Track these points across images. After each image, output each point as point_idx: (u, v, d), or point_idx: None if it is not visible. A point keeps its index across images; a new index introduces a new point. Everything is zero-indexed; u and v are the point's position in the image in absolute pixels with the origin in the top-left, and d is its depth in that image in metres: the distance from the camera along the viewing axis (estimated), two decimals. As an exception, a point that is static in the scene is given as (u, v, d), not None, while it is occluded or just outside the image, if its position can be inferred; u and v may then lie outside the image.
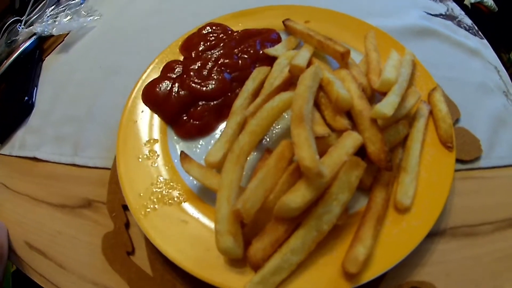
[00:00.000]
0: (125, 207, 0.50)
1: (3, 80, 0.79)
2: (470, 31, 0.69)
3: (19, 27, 0.81)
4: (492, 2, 0.96)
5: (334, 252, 0.39)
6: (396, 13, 0.68)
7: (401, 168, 0.46)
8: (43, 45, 0.81)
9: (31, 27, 0.78)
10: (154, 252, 0.45)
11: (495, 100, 0.58)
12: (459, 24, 0.70)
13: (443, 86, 0.56)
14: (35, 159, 0.63)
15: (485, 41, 0.67)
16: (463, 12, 0.73)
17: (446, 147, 0.48)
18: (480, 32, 0.69)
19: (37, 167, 0.62)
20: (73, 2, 0.79)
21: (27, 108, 0.70)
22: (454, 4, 0.74)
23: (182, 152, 0.45)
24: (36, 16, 0.80)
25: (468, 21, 0.71)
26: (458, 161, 0.50)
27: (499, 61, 0.65)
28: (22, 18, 0.82)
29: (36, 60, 0.76)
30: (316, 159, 0.35)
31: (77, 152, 0.60)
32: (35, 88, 0.72)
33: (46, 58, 0.78)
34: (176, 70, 0.54)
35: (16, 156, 0.66)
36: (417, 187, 0.44)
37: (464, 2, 0.91)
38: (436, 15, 0.70)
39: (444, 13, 0.71)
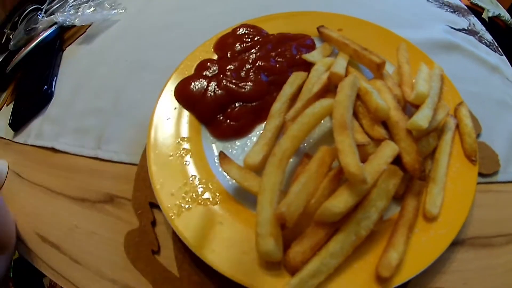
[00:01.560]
0: (152, 205, 0.50)
1: (21, 67, 0.78)
2: (491, 47, 0.71)
3: (39, 15, 0.80)
4: (509, 17, 0.99)
5: (368, 257, 0.40)
6: (422, 25, 0.70)
7: (430, 178, 0.47)
8: (64, 35, 0.80)
9: (51, 16, 0.77)
10: (182, 252, 0.45)
11: None
12: (480, 39, 0.72)
13: (466, 100, 0.58)
14: (52, 149, 0.62)
15: (504, 57, 0.69)
16: (484, 28, 0.75)
17: (470, 161, 0.50)
18: (499, 49, 0.71)
19: (54, 158, 0.62)
20: (96, -6, 0.78)
21: (45, 98, 0.70)
22: (475, 19, 0.77)
23: (221, 152, 0.45)
24: (57, 5, 0.79)
25: (488, 37, 0.73)
26: (478, 174, 0.51)
27: None
28: (42, 7, 0.81)
29: (57, 49, 0.75)
30: (361, 167, 0.36)
31: (101, 146, 0.59)
32: (55, 78, 0.72)
33: (67, 49, 0.77)
34: (211, 69, 0.54)
35: (31, 145, 0.65)
36: (444, 198, 0.46)
37: (482, 16, 0.93)
38: (459, 30, 0.72)
39: (466, 28, 0.73)
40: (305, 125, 0.41)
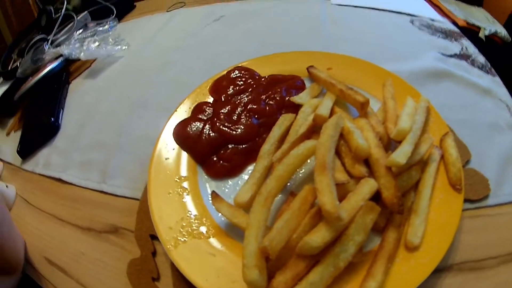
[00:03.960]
0: (153, 237, 0.57)
1: (28, 96, 0.87)
2: (483, 69, 0.75)
3: (45, 46, 0.89)
4: (506, 33, 1.03)
5: (348, 286, 0.46)
6: (413, 56, 0.76)
7: (412, 210, 0.52)
8: (70, 67, 0.89)
9: (58, 48, 0.87)
10: (179, 280, 0.52)
11: (505, 138, 0.63)
12: (473, 63, 0.76)
13: (455, 127, 0.63)
14: (59, 180, 0.70)
15: (497, 78, 0.73)
16: (476, 50, 0.79)
17: (455, 189, 0.54)
18: (493, 69, 0.75)
19: (61, 188, 0.69)
20: (101, 28, 0.87)
21: (53, 129, 0.78)
22: (468, 42, 0.81)
23: (213, 191, 0.53)
24: (63, 37, 0.89)
25: (481, 58, 0.77)
26: (467, 200, 0.55)
27: (511, 98, 0.70)
28: (48, 37, 0.91)
29: (63, 82, 0.84)
30: (336, 205, 0.43)
31: (105, 180, 0.67)
32: (61, 110, 0.80)
33: (73, 81, 0.86)
34: (207, 112, 0.62)
35: (39, 174, 0.73)
36: (427, 227, 0.50)
37: (479, 35, 0.98)
38: (451, 56, 0.77)
39: (458, 53, 0.78)
40: (290, 166, 0.48)
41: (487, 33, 0.98)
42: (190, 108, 0.66)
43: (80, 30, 0.90)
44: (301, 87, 0.66)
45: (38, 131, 0.79)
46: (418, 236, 0.49)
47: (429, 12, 0.88)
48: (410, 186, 0.54)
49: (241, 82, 0.66)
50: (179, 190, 0.57)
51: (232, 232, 0.52)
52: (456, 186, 0.54)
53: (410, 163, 0.53)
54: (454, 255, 0.51)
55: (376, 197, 0.49)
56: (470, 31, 0.89)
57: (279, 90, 0.63)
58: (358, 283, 0.46)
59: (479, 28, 0.97)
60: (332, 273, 0.44)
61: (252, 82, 0.66)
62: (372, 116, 0.56)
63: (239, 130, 0.59)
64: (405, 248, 0.49)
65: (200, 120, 0.62)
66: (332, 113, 0.57)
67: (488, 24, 1.01)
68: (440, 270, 0.49)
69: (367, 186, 0.47)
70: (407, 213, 0.52)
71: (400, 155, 0.49)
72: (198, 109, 0.64)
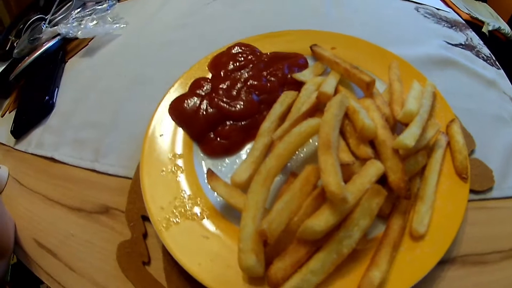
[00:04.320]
0: (144, 218, 0.52)
1: (24, 76, 0.82)
2: (488, 61, 0.71)
3: (43, 25, 0.84)
4: (509, 30, 0.99)
5: (351, 275, 0.41)
6: (418, 42, 0.71)
7: (418, 197, 0.48)
8: (67, 46, 0.84)
9: (55, 27, 0.81)
10: (171, 265, 0.47)
11: (509, 131, 0.60)
12: (478, 54, 0.72)
13: (460, 116, 0.59)
14: (52, 159, 0.65)
15: (501, 71, 0.70)
16: (481, 42, 0.76)
17: (461, 178, 0.50)
18: (497, 62, 0.72)
19: (53, 168, 0.65)
20: (99, 7, 0.82)
21: (47, 108, 0.73)
22: (473, 33, 0.77)
23: (209, 169, 0.48)
24: (61, 16, 0.83)
25: (486, 51, 0.74)
26: (471, 191, 0.52)
27: None
28: (46, 17, 0.85)
29: (59, 61, 0.79)
30: (342, 185, 0.38)
31: (98, 158, 0.62)
32: (57, 89, 0.75)
33: (69, 60, 0.81)
34: (205, 88, 0.57)
35: (31, 154, 0.68)
36: (432, 216, 0.46)
37: (482, 30, 0.94)
38: (455, 45, 0.73)
39: (463, 43, 0.74)
40: (291, 144, 0.43)
41: (490, 28, 0.93)
42: (187, 84, 0.60)
43: (78, 9, 0.84)
44: (304, 65, 0.60)
45: (32, 110, 0.75)
46: (424, 225, 0.45)
47: (434, 1, 0.83)
48: (416, 172, 0.49)
49: (242, 58, 0.60)
50: (173, 168, 0.52)
51: (228, 213, 0.47)
52: (462, 175, 0.50)
53: (417, 147, 0.49)
54: (458, 247, 0.48)
55: (381, 182, 0.44)
56: (473, 25, 0.84)
57: (281, 67, 0.58)
58: (361, 271, 0.41)
59: (482, 22, 0.93)
60: (335, 260, 0.40)
61: (253, 58, 0.60)
62: (378, 97, 0.51)
63: (238, 106, 0.53)
64: (410, 236, 0.45)
65: (197, 95, 0.56)
66: (336, 92, 0.52)
67: (492, 19, 0.96)
68: (443, 262, 0.46)
69: (373, 168, 0.43)
70: (413, 199, 0.48)
71: (408, 137, 0.45)
72: (196, 85, 0.58)
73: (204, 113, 0.53)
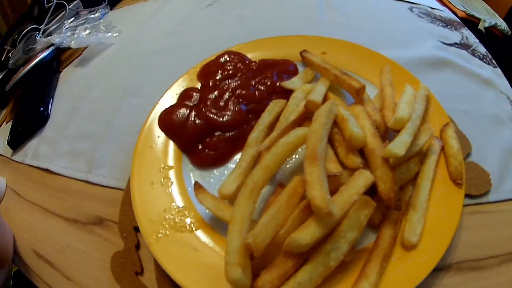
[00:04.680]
0: (137, 229, 0.52)
1: (19, 87, 0.83)
2: (484, 60, 0.70)
3: (37, 36, 0.85)
4: (506, 26, 0.97)
5: (339, 287, 0.41)
6: (412, 43, 0.70)
7: (410, 205, 0.47)
8: (60, 56, 0.84)
9: (49, 37, 0.82)
10: (163, 275, 0.47)
11: (507, 132, 0.59)
12: (473, 53, 0.71)
13: (456, 118, 0.58)
14: (48, 170, 0.66)
15: (498, 69, 0.69)
16: (477, 40, 0.74)
17: (455, 184, 0.49)
18: (493, 61, 0.70)
19: (49, 179, 0.66)
20: (92, 16, 0.82)
21: (42, 119, 0.74)
22: (469, 32, 0.76)
23: (196, 182, 0.48)
24: (54, 26, 0.84)
25: (482, 49, 0.72)
26: (467, 196, 0.51)
27: None
28: (40, 27, 0.86)
29: (54, 71, 0.80)
30: (327, 199, 0.37)
31: (91, 170, 0.62)
32: (51, 100, 0.76)
33: (63, 70, 0.82)
34: (193, 98, 0.57)
35: (28, 165, 0.69)
36: (425, 224, 0.46)
37: (478, 27, 0.92)
38: (451, 44, 0.71)
39: (458, 42, 0.73)
40: (279, 155, 0.43)
41: (486, 25, 0.91)
42: (177, 94, 0.60)
43: (72, 19, 0.84)
44: (293, 72, 0.60)
45: (28, 121, 0.75)
46: (416, 234, 0.45)
47: (429, 1, 0.81)
48: (408, 179, 0.49)
49: (231, 67, 0.60)
50: (163, 180, 0.52)
51: (217, 225, 0.47)
52: (457, 180, 0.50)
53: (409, 154, 0.48)
54: (453, 253, 0.48)
55: (372, 191, 0.43)
56: (469, 23, 0.82)
57: (270, 75, 0.57)
58: (350, 283, 0.41)
59: (478, 20, 0.91)
60: (322, 272, 0.39)
61: (242, 67, 0.60)
62: (368, 103, 0.51)
63: (226, 117, 0.53)
64: (402, 246, 0.45)
65: (186, 106, 0.56)
66: (325, 99, 0.51)
67: (488, 16, 0.94)
68: (438, 269, 0.45)
69: (362, 179, 0.42)
70: (405, 208, 0.47)
71: (398, 146, 0.44)
72: (185, 95, 0.58)
73: (193, 124, 0.53)
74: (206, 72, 0.61)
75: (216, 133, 0.53)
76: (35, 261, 0.56)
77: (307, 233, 0.37)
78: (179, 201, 0.50)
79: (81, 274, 0.52)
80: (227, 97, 0.55)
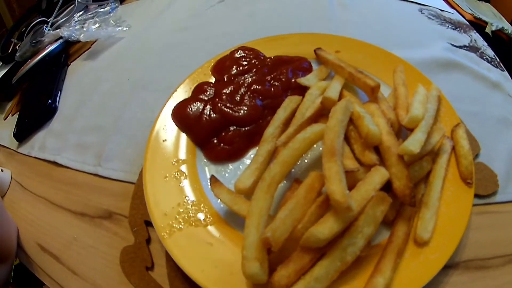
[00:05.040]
0: (147, 223, 0.52)
1: (26, 79, 0.82)
2: (492, 63, 0.71)
3: (45, 28, 0.84)
4: None
5: (355, 282, 0.41)
6: (422, 44, 0.71)
7: (423, 203, 0.48)
8: (69, 49, 0.84)
9: (57, 30, 0.81)
10: (174, 270, 0.47)
11: None
12: (482, 55, 0.72)
13: (465, 120, 0.59)
14: (54, 163, 0.65)
15: (506, 73, 0.69)
16: (485, 43, 0.75)
17: (465, 184, 0.50)
18: (501, 64, 0.71)
19: (56, 172, 0.65)
20: (102, 10, 0.82)
21: (49, 112, 0.73)
22: (477, 34, 0.77)
23: (212, 176, 0.47)
24: (63, 19, 0.83)
25: (490, 52, 0.73)
26: (475, 196, 0.52)
27: None
28: (48, 20, 0.85)
29: (62, 64, 0.79)
30: (346, 194, 0.38)
31: (101, 163, 0.62)
32: (59, 92, 0.76)
33: (72, 63, 0.81)
34: (208, 93, 0.57)
35: (34, 157, 0.69)
36: (436, 222, 0.46)
37: (486, 30, 0.93)
38: (460, 47, 0.72)
39: (467, 45, 0.73)
40: (296, 151, 0.43)
41: (494, 28, 0.92)
42: (190, 88, 0.60)
43: (81, 12, 0.84)
44: (307, 69, 0.60)
45: (35, 113, 0.75)
46: (429, 231, 0.45)
47: (438, 3, 0.82)
48: (421, 177, 0.49)
49: (245, 62, 0.60)
50: (176, 174, 0.52)
51: (232, 220, 0.47)
52: (467, 180, 0.50)
53: (422, 153, 0.48)
54: (461, 252, 0.48)
55: (386, 188, 0.43)
56: (476, 26, 0.83)
57: (285, 71, 0.57)
58: (365, 278, 0.41)
59: (485, 23, 0.92)
60: (339, 267, 0.39)
61: (256, 63, 0.60)
62: (383, 102, 0.51)
63: (242, 111, 0.53)
64: (414, 243, 0.45)
65: (200, 100, 0.56)
66: (340, 96, 0.51)
67: (495, 20, 0.95)
68: (446, 267, 0.45)
69: (378, 175, 0.42)
70: (418, 205, 0.47)
71: (414, 143, 0.44)
72: (199, 89, 0.58)
73: (207, 118, 0.53)
74: (221, 67, 0.61)
75: (232, 128, 0.53)
76: (39, 255, 0.55)
77: (326, 228, 0.38)
78: (193, 195, 0.50)
79: (88, 269, 0.52)
80: (242, 92, 0.55)
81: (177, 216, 0.48)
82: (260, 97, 0.55)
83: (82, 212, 0.58)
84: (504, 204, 0.53)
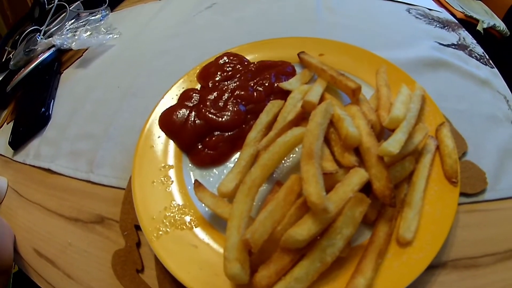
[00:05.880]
0: (137, 227, 0.54)
1: (20, 88, 0.84)
2: (481, 60, 0.71)
3: (38, 37, 0.86)
4: (504, 27, 0.98)
5: (335, 283, 0.43)
6: (409, 44, 0.72)
7: (405, 203, 0.48)
8: (62, 57, 0.86)
9: (50, 39, 0.83)
10: (163, 272, 0.49)
11: (503, 131, 0.60)
12: (471, 53, 0.72)
13: (452, 118, 0.59)
14: (49, 170, 0.68)
15: (495, 70, 0.70)
16: (474, 41, 0.76)
17: (450, 182, 0.50)
18: (491, 61, 0.72)
19: (50, 179, 0.67)
20: (93, 18, 0.84)
21: (43, 120, 0.75)
22: (466, 32, 0.77)
23: (196, 180, 0.49)
24: (55, 28, 0.85)
25: (479, 50, 0.74)
26: (463, 194, 0.53)
27: (509, 91, 0.67)
28: (41, 28, 0.87)
29: (55, 72, 0.81)
30: (323, 196, 0.39)
31: (92, 169, 0.64)
32: (52, 101, 0.78)
33: (64, 71, 0.83)
34: (193, 99, 0.59)
35: (29, 165, 0.71)
36: (420, 221, 0.47)
37: (477, 28, 0.93)
38: (448, 45, 0.73)
39: (456, 43, 0.74)
40: (276, 154, 0.44)
41: (485, 26, 0.93)
42: (177, 95, 0.62)
43: (72, 20, 0.86)
44: (291, 73, 0.62)
45: (29, 122, 0.77)
46: (411, 231, 0.46)
47: (427, 2, 0.83)
48: (403, 178, 0.50)
49: (230, 68, 0.62)
50: (163, 179, 0.54)
51: (216, 223, 0.49)
52: (452, 179, 0.51)
53: (404, 153, 0.49)
54: (449, 251, 0.49)
55: (367, 189, 0.45)
56: (468, 24, 0.84)
57: (268, 76, 0.59)
58: (346, 279, 0.42)
59: (477, 21, 0.93)
60: (319, 268, 0.41)
61: (240, 68, 0.62)
62: (364, 103, 0.52)
63: (225, 117, 0.55)
64: (397, 243, 0.46)
65: (186, 107, 0.58)
66: (322, 99, 0.53)
67: (487, 17, 0.96)
68: (433, 267, 0.46)
69: (357, 177, 0.44)
70: (400, 205, 0.49)
71: (393, 144, 0.45)
72: (184, 96, 0.60)
73: (192, 124, 0.55)
74: (206, 74, 0.63)
75: (216, 133, 0.55)
76: (36, 261, 0.57)
77: (304, 229, 0.39)
78: (179, 199, 0.52)
79: (82, 272, 0.54)
80: (226, 97, 0.57)
81: (164, 220, 0.49)
82: (243, 102, 0.57)
83: (75, 217, 0.60)
84: (494, 202, 0.53)
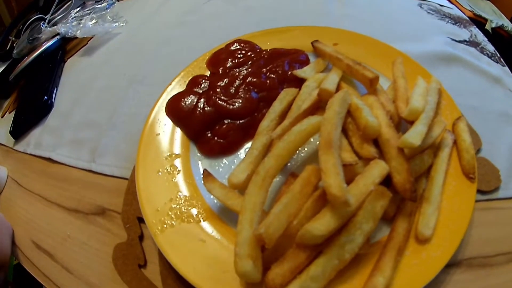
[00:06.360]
0: (140, 219, 0.50)
1: (23, 76, 0.80)
2: (493, 58, 0.68)
3: (42, 25, 0.82)
4: None
5: (353, 281, 0.39)
6: (422, 38, 0.68)
7: (424, 198, 0.45)
8: (66, 46, 0.82)
9: (54, 27, 0.79)
10: (167, 268, 0.45)
11: None
12: (482, 50, 0.69)
13: (465, 114, 0.56)
14: (50, 159, 0.63)
15: (506, 68, 0.67)
16: (486, 39, 0.72)
17: (468, 178, 0.47)
18: (502, 59, 0.69)
19: (51, 168, 0.63)
20: (99, 6, 0.80)
21: (45, 108, 0.71)
22: (477, 30, 0.74)
23: (205, 170, 0.45)
24: (60, 16, 0.81)
25: (490, 47, 0.70)
26: (478, 191, 0.49)
27: None
28: (46, 17, 0.83)
29: (58, 60, 0.77)
30: (344, 188, 0.35)
31: (95, 159, 0.59)
32: (56, 89, 0.73)
33: (68, 60, 0.79)
34: (202, 86, 0.54)
35: (30, 154, 0.67)
36: (438, 218, 0.43)
37: (486, 27, 0.90)
38: (460, 41, 0.69)
39: (467, 39, 0.71)
40: (291, 144, 0.40)
41: (493, 25, 0.89)
42: (185, 82, 0.58)
43: (78, 8, 0.82)
44: (304, 62, 0.57)
45: (31, 110, 0.72)
46: (430, 227, 0.42)
47: (438, -2, 0.79)
48: (422, 172, 0.46)
49: (241, 55, 0.57)
50: (169, 168, 0.49)
51: (226, 216, 0.44)
52: (469, 174, 0.47)
53: (423, 146, 0.46)
54: (464, 249, 0.46)
55: (386, 182, 0.41)
56: (476, 23, 0.80)
57: (281, 63, 0.54)
58: (364, 277, 0.38)
59: (485, 20, 0.89)
60: (336, 266, 0.37)
61: (252, 55, 0.57)
62: (382, 94, 0.48)
63: (236, 104, 0.50)
64: (416, 240, 0.42)
65: (195, 93, 0.53)
66: (338, 89, 0.49)
67: (495, 17, 0.93)
68: (448, 265, 0.43)
69: (377, 169, 0.39)
70: (419, 200, 0.44)
71: (414, 136, 0.42)
72: (193, 82, 0.55)
73: (201, 111, 0.50)
74: (216, 60, 0.58)
75: (226, 121, 0.50)
76: (34, 253, 0.53)
77: (322, 224, 0.35)
78: (186, 191, 0.47)
79: (81, 266, 0.50)
80: (237, 84, 0.52)
81: (169, 212, 0.45)
82: (256, 90, 0.52)
83: (75, 208, 0.56)
84: (507, 200, 0.50)
